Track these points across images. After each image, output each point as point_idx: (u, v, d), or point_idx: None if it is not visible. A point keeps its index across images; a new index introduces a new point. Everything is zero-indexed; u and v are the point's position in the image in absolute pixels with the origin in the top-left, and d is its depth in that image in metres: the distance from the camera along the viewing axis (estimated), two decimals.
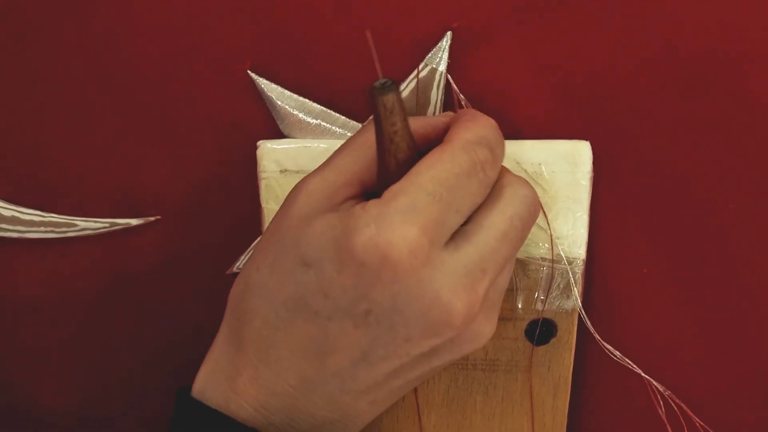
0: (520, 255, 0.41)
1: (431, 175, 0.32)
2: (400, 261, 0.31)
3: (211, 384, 0.36)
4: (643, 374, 0.44)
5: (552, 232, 0.41)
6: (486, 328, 0.35)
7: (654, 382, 0.44)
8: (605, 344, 0.43)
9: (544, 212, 0.40)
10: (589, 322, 0.42)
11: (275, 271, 0.35)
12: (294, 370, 0.35)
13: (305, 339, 0.34)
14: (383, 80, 0.32)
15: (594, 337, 0.43)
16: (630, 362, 0.44)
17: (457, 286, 0.32)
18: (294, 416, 0.35)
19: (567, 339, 0.42)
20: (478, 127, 0.34)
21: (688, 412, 0.44)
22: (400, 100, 0.32)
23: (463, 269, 0.32)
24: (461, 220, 0.33)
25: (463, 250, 0.33)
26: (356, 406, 0.36)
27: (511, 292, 0.41)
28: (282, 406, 0.35)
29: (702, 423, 0.44)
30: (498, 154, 0.34)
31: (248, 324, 0.35)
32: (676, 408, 0.44)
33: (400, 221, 0.32)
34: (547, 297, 0.41)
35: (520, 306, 0.42)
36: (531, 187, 0.35)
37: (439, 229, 0.32)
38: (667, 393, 0.44)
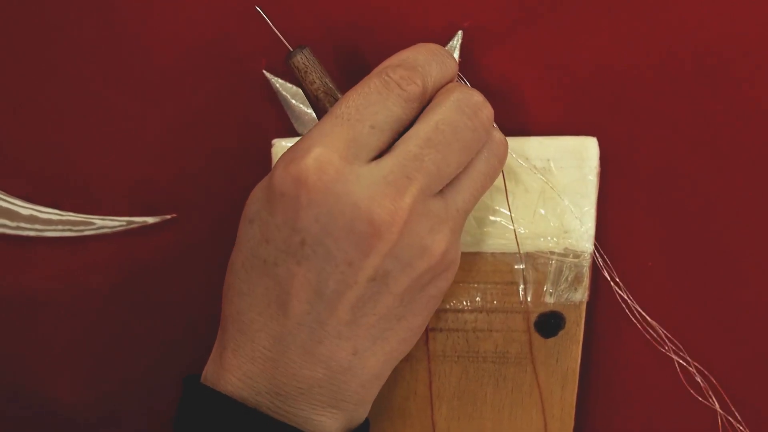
0: (530, 248, 0.42)
1: (342, 103, 0.34)
2: (309, 180, 0.32)
3: (210, 367, 0.37)
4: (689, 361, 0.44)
5: (515, 223, 0.41)
6: (432, 242, 0.34)
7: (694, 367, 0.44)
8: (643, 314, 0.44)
9: (508, 203, 0.41)
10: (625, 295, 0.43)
11: (236, 245, 0.36)
12: (264, 330, 0.35)
13: (264, 294, 0.35)
14: (294, 49, 0.36)
15: (601, 329, 0.44)
16: (673, 343, 0.44)
17: (376, 196, 0.32)
18: (277, 381, 0.35)
19: (575, 331, 0.43)
20: (403, 52, 0.35)
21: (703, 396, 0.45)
22: (312, 60, 0.36)
23: (382, 179, 0.32)
24: (383, 136, 0.33)
25: (383, 162, 0.33)
26: (337, 358, 0.35)
27: (520, 285, 0.42)
28: (262, 372, 0.35)
29: (721, 411, 0.45)
30: (427, 70, 0.34)
31: (226, 301, 0.36)
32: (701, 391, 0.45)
33: (309, 146, 0.32)
34: (555, 290, 0.42)
35: (529, 299, 0.42)
36: (470, 91, 0.35)
37: (352, 145, 0.33)
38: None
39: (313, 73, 0.36)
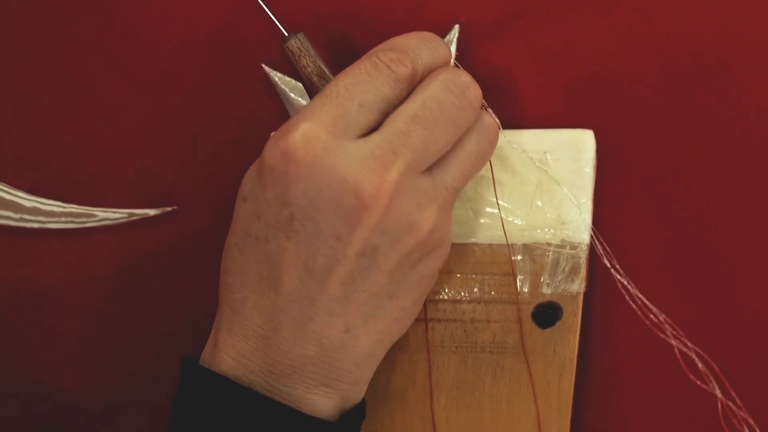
0: (527, 240, 0.42)
1: (332, 84, 0.34)
2: (297, 153, 0.33)
3: (207, 348, 0.38)
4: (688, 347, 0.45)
5: (510, 215, 0.42)
6: (420, 217, 0.34)
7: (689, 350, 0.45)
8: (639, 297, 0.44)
9: (495, 192, 0.41)
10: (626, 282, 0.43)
11: (231, 226, 0.36)
12: (257, 308, 0.35)
13: (257, 272, 0.35)
14: (289, 34, 0.37)
15: (597, 320, 0.44)
16: (671, 328, 0.44)
17: (363, 169, 0.33)
18: (270, 359, 0.35)
19: (572, 322, 0.43)
20: (395, 38, 0.36)
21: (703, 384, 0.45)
22: (305, 45, 0.37)
23: (369, 154, 0.33)
24: (371, 114, 0.34)
25: (370, 138, 0.33)
26: (328, 336, 0.35)
27: (517, 276, 0.43)
28: (255, 350, 0.35)
29: (721, 396, 0.45)
30: (417, 54, 0.35)
31: (222, 282, 0.37)
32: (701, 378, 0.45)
33: (298, 122, 0.33)
34: (552, 281, 0.42)
35: (526, 290, 0.43)
36: (458, 71, 0.35)
37: (340, 121, 0.33)
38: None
39: (307, 57, 0.37)
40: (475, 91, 0.35)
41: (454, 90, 0.35)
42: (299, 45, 0.37)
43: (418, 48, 0.35)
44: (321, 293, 0.34)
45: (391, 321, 0.36)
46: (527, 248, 0.42)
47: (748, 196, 0.43)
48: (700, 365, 0.44)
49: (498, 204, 0.41)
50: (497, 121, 0.38)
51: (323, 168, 0.32)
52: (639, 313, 0.44)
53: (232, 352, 0.36)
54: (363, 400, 0.39)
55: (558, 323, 0.43)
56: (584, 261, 0.42)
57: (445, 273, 0.43)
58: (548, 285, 0.43)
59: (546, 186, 0.41)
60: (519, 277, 0.43)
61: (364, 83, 0.34)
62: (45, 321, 0.47)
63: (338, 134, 0.33)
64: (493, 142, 0.37)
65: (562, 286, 0.43)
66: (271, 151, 0.33)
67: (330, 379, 0.36)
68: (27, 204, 0.44)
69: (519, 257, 0.42)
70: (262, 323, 0.35)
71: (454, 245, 0.42)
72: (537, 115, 0.42)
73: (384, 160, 0.33)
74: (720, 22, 0.40)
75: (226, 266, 0.37)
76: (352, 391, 0.37)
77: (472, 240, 0.42)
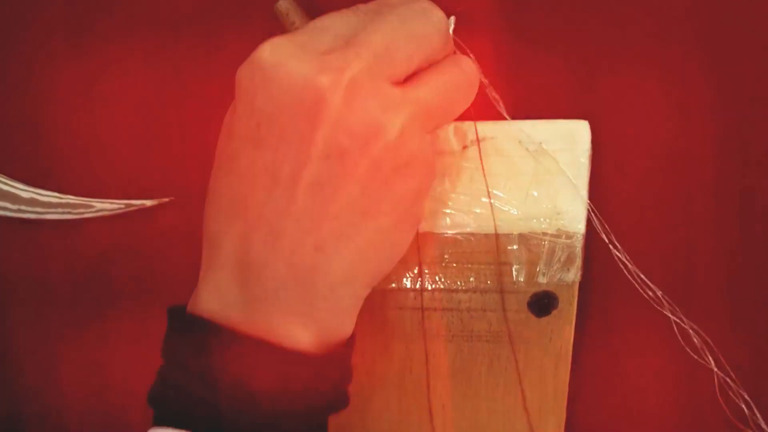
0: (523, 230, 0.42)
1: (311, 21, 0.35)
2: (263, 59, 0.33)
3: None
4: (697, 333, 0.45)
5: (497, 201, 0.42)
6: (387, 120, 0.33)
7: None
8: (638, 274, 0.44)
9: (484, 177, 0.42)
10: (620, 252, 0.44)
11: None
12: (229, 233, 0.34)
13: (229, 196, 0.35)
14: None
15: (593, 309, 0.45)
16: (664, 301, 0.45)
17: (324, 67, 0.32)
18: (243, 286, 0.34)
19: (568, 311, 0.43)
20: None
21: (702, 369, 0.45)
22: (294, 6, 0.40)
23: (332, 56, 0.33)
24: (339, 41, 0.34)
25: (337, 49, 0.33)
26: (300, 253, 0.34)
27: (513, 266, 0.43)
28: (230, 278, 0.35)
29: (717, 371, 0.46)
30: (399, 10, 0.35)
31: (204, 223, 0.36)
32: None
33: (268, 41, 0.34)
34: (548, 270, 0.43)
35: (522, 279, 0.43)
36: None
37: (308, 40, 0.34)
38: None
39: (294, 15, 0.39)
40: (438, 12, 0.35)
41: (416, 8, 0.35)
42: (287, 5, 0.40)
43: (402, 4, 0.35)
44: (290, 204, 0.33)
45: (366, 243, 0.34)
46: (523, 238, 0.42)
47: (741, 184, 0.43)
48: (696, 340, 0.44)
49: (489, 193, 0.42)
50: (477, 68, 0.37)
51: (287, 71, 0.32)
52: (638, 287, 0.43)
53: (208, 287, 0.35)
54: (352, 337, 0.37)
55: (554, 312, 0.43)
56: (580, 250, 0.42)
57: (441, 262, 0.43)
58: (544, 274, 0.43)
59: (541, 176, 0.42)
60: (515, 267, 0.43)
61: (334, 19, 0.35)
62: (42, 312, 0.47)
63: (307, 48, 0.33)
64: (472, 83, 0.36)
65: (558, 276, 0.43)
66: (242, 67, 0.34)
67: (306, 305, 0.34)
68: (24, 195, 0.44)
69: (515, 247, 0.42)
70: (234, 248, 0.34)
71: (449, 236, 0.42)
72: (532, 105, 0.42)
73: (346, 58, 0.33)
74: (716, 13, 0.40)
75: (208, 201, 0.36)
76: (332, 322, 0.36)
77: (468, 230, 0.42)
